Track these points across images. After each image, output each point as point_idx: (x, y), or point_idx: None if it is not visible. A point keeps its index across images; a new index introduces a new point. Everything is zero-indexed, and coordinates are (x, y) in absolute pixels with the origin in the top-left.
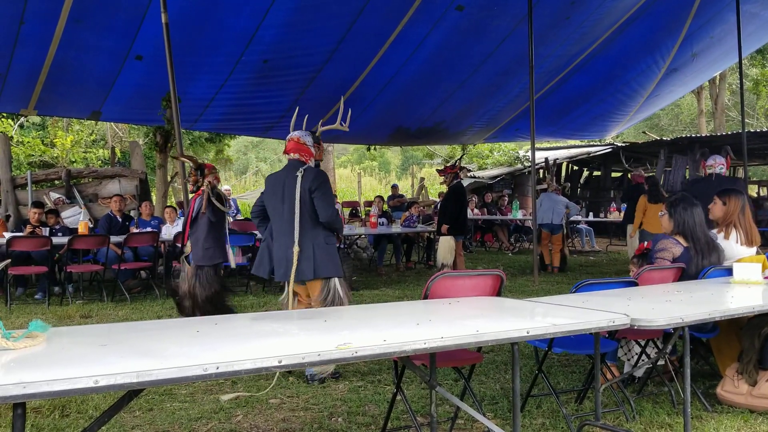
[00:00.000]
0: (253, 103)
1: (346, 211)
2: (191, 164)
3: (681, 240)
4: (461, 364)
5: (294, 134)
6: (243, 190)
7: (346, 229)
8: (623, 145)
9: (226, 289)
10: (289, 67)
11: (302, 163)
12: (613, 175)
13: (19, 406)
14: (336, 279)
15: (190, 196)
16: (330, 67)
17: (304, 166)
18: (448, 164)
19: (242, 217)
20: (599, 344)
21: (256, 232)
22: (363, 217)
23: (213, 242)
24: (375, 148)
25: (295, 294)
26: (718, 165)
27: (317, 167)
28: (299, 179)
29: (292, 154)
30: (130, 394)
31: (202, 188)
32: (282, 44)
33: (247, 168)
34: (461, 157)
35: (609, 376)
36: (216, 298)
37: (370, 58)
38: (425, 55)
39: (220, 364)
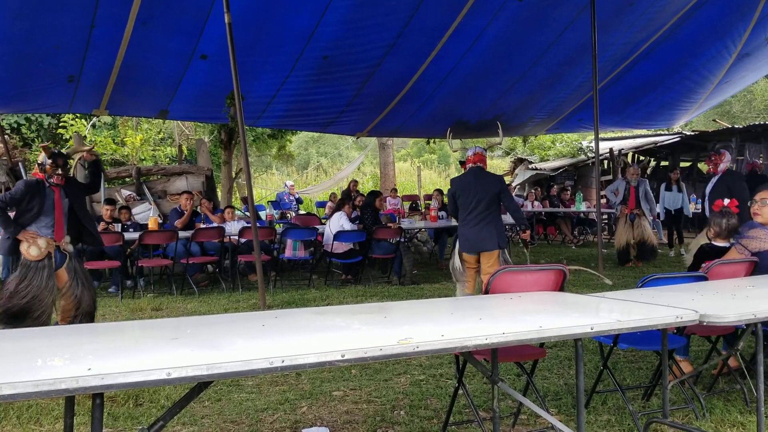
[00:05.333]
0: (314, 99)
1: (406, 205)
2: (45, 154)
3: None
4: (523, 359)
5: (477, 149)
6: (305, 185)
7: (405, 223)
8: (692, 133)
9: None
10: (348, 63)
11: (483, 169)
12: (682, 164)
13: (97, 396)
14: (505, 249)
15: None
16: (388, 62)
17: (487, 172)
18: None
19: (304, 212)
20: (667, 340)
21: (318, 227)
22: (423, 210)
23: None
24: (434, 142)
25: (464, 262)
26: None
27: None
28: (491, 181)
29: (478, 164)
30: (200, 385)
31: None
32: (341, 40)
33: (308, 163)
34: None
35: (678, 372)
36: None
37: (428, 51)
38: (484, 47)
39: (286, 357)
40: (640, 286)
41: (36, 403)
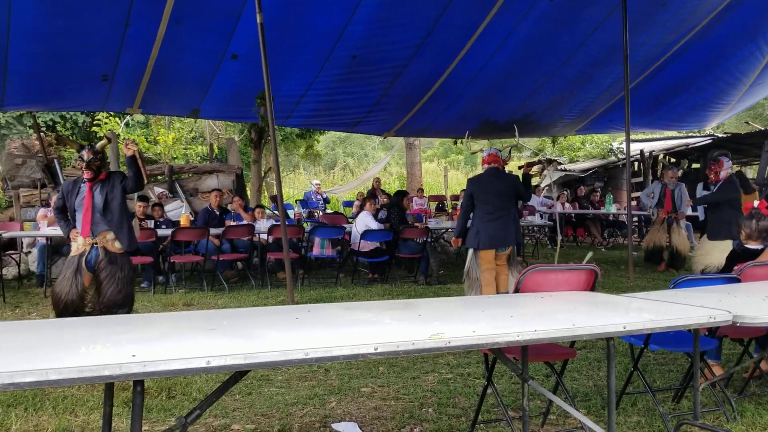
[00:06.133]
0: (342, 98)
1: (433, 205)
2: (75, 148)
3: None
4: (553, 359)
5: (492, 150)
6: (332, 185)
7: (432, 223)
8: (724, 135)
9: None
10: (376, 62)
11: (500, 169)
12: None
13: (138, 384)
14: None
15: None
16: (417, 61)
17: (505, 172)
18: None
19: (331, 211)
20: (698, 342)
21: (345, 225)
22: (449, 210)
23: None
24: (461, 142)
25: (480, 262)
26: None
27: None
28: (511, 179)
29: (493, 164)
30: (237, 375)
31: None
32: (370, 39)
33: (335, 163)
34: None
35: (709, 375)
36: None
37: (457, 50)
38: (513, 46)
39: (320, 349)
40: (672, 287)
41: (71, 393)
